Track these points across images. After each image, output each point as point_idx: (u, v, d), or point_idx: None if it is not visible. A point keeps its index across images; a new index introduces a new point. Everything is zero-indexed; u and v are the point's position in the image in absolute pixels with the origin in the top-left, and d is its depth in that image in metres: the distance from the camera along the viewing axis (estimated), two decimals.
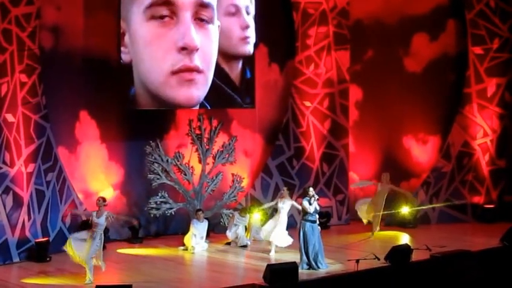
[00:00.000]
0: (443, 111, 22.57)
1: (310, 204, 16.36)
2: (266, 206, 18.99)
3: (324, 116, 21.96)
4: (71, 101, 18.92)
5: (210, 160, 20.09)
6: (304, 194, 16.63)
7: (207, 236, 18.98)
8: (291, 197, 18.47)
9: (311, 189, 16.59)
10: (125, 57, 19.04)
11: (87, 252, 15.20)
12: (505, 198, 22.42)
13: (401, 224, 20.99)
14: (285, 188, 18.37)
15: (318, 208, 16.56)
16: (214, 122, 20.22)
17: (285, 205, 17.88)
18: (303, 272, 15.83)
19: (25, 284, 15.40)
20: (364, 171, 22.90)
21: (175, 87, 19.45)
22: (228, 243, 19.21)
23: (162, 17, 19.14)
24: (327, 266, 16.40)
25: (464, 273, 16.39)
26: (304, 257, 16.27)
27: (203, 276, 16.88)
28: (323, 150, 21.96)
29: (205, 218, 18.93)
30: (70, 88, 18.85)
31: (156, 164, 19.47)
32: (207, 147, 20.02)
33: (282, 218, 17.89)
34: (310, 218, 16.43)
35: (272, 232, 17.82)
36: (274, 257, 17.59)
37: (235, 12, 20.52)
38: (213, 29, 19.88)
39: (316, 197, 16.53)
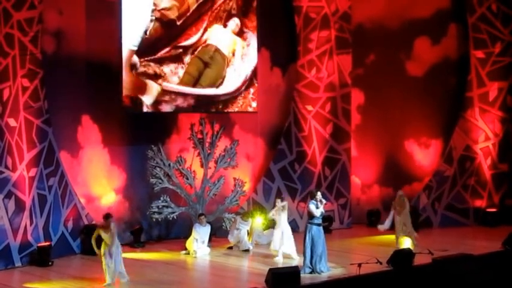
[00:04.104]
0: (445, 115, 22.56)
1: (317, 208, 16.35)
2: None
3: (325, 120, 21.96)
4: (73, 105, 18.93)
5: (212, 164, 20.10)
6: (310, 197, 16.60)
7: (209, 240, 18.97)
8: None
9: (319, 193, 16.56)
10: None
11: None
12: (507, 202, 22.44)
13: None
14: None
15: (323, 211, 16.57)
16: (216, 126, 20.24)
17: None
18: (305, 276, 15.81)
19: None
20: (366, 176, 22.92)
21: None
22: (230, 248, 19.21)
23: None
24: (329, 269, 16.39)
25: (466, 277, 16.36)
26: (308, 261, 16.25)
27: (205, 281, 16.88)
28: (325, 154, 21.95)
29: (208, 222, 18.93)
30: (72, 92, 18.87)
31: (158, 168, 19.49)
32: (208, 151, 20.03)
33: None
34: (316, 221, 16.43)
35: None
36: (281, 261, 17.57)
37: None
38: None
39: (324, 201, 16.51)
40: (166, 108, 19.78)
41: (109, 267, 15.38)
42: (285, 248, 17.69)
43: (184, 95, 19.94)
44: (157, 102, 19.63)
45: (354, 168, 22.61)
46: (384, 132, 22.78)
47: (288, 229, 17.90)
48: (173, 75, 19.72)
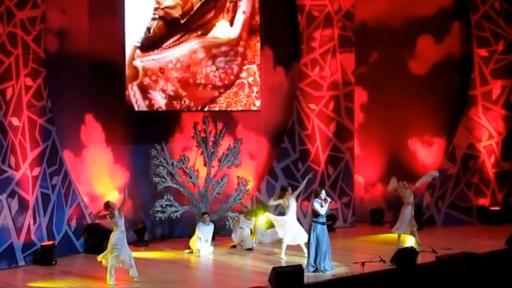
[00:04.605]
0: (449, 114, 22.56)
1: (321, 206, 16.36)
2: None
3: (329, 119, 21.96)
4: (76, 104, 18.93)
5: (215, 163, 20.07)
6: (314, 196, 16.61)
7: (213, 239, 18.97)
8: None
9: (323, 191, 16.57)
10: None
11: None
12: (511, 201, 22.42)
13: None
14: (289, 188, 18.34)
15: (328, 210, 16.58)
16: (220, 125, 20.21)
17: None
18: (309, 275, 15.80)
19: (31, 287, 15.41)
20: (369, 174, 22.91)
21: None
22: (234, 246, 19.21)
23: None
24: (333, 268, 16.38)
25: (470, 276, 16.36)
26: (312, 260, 16.24)
27: (209, 279, 16.88)
28: (328, 152, 21.95)
29: (211, 221, 18.92)
30: (75, 91, 18.86)
31: (161, 167, 19.46)
32: (212, 150, 20.00)
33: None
34: (321, 219, 16.44)
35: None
36: (285, 259, 17.57)
37: None
38: None
39: (329, 200, 16.51)
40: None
41: (117, 254, 15.36)
42: (301, 238, 17.68)
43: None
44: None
45: (357, 166, 22.59)
46: (387, 131, 22.77)
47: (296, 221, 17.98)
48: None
